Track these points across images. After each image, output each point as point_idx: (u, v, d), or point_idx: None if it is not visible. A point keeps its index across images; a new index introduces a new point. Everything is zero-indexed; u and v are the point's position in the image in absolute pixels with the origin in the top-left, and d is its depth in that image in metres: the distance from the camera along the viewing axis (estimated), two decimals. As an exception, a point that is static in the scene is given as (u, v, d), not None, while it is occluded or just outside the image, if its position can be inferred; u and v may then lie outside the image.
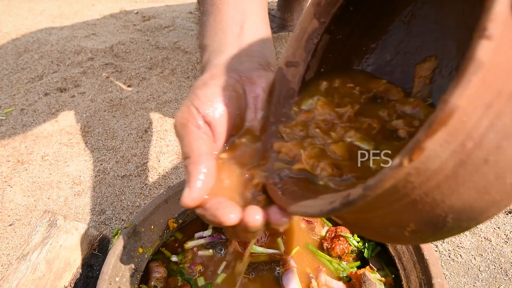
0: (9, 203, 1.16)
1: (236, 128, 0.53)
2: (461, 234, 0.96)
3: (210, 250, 0.77)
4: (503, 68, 0.28)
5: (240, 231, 0.46)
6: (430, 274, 0.62)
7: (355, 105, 0.51)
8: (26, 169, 1.27)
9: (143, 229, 0.74)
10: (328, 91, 0.55)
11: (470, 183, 0.32)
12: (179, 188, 0.80)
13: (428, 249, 0.66)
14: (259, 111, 0.55)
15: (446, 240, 0.98)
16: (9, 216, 1.13)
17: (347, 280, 0.72)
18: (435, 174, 0.32)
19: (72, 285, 0.85)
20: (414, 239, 0.40)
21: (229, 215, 0.44)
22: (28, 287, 0.81)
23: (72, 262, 0.87)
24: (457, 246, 0.96)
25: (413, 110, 0.48)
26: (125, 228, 0.72)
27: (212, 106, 0.50)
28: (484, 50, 0.27)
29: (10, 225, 1.11)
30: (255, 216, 0.44)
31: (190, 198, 0.45)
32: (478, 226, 0.99)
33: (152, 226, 0.76)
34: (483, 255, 0.94)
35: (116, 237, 0.71)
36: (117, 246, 0.69)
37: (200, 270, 0.74)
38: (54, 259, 0.85)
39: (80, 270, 0.88)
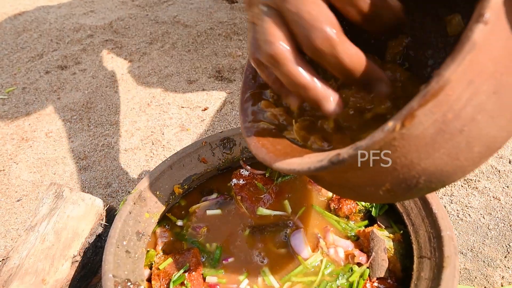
0: (15, 180, 1.17)
1: None
2: (470, 194, 0.95)
3: (219, 210, 0.77)
4: (489, 50, 0.33)
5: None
6: (439, 228, 0.61)
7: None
8: (30, 146, 1.27)
9: (148, 195, 0.74)
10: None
11: (445, 149, 0.36)
12: (183, 154, 0.80)
13: (436, 203, 0.65)
14: None
15: (454, 200, 0.97)
16: (16, 192, 1.14)
17: (355, 239, 0.72)
18: (416, 139, 0.35)
19: (81, 254, 0.86)
20: (386, 198, 0.43)
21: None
22: (38, 257, 0.81)
23: (80, 232, 0.87)
24: (466, 206, 0.95)
25: (392, 74, 0.51)
26: (130, 193, 0.72)
27: None
28: (480, 33, 0.30)
29: (18, 200, 1.12)
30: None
31: None
32: (486, 186, 0.98)
33: (158, 192, 0.75)
34: (492, 213, 0.93)
35: (122, 203, 0.71)
36: (123, 211, 0.69)
37: (205, 232, 0.74)
38: (62, 229, 0.85)
39: (89, 240, 0.88)
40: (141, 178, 1.13)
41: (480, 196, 0.97)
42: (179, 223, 0.77)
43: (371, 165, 0.38)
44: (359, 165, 0.38)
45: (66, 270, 0.83)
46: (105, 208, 0.95)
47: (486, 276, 0.82)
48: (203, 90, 1.41)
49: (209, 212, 0.78)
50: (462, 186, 1.00)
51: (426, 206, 0.65)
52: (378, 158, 0.37)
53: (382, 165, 0.39)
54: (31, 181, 1.16)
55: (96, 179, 1.15)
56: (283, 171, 0.45)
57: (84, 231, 0.88)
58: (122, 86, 1.48)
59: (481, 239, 0.89)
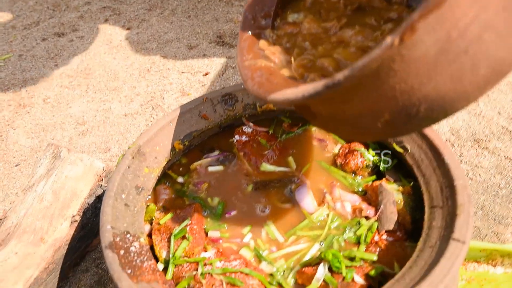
0: (13, 145, 1.14)
1: None
2: (480, 154, 0.92)
3: (221, 166, 0.74)
4: None
5: None
6: (451, 177, 0.59)
7: (342, 19, 0.52)
8: (28, 112, 1.24)
9: (148, 150, 0.71)
10: (314, 5, 0.56)
11: (448, 72, 0.34)
12: (183, 110, 0.77)
13: (449, 153, 0.62)
14: None
15: (464, 160, 0.94)
16: (14, 157, 1.12)
17: (363, 194, 0.69)
18: (417, 61, 0.33)
19: (81, 214, 0.84)
20: (384, 132, 0.41)
21: None
22: (36, 216, 0.79)
23: (79, 192, 0.85)
24: (476, 166, 0.92)
25: (399, 15, 0.49)
26: (129, 148, 0.69)
27: None
28: None
29: (16, 165, 1.10)
30: None
31: None
32: (497, 146, 0.95)
33: (157, 147, 0.72)
34: (503, 173, 0.90)
35: (120, 157, 0.68)
36: (122, 165, 0.67)
37: (206, 188, 0.72)
38: (60, 189, 0.83)
39: (88, 201, 0.86)
40: (141, 143, 1.11)
41: (490, 156, 0.94)
42: (180, 179, 0.75)
43: (368, 89, 0.36)
44: (354, 91, 0.36)
45: (65, 229, 0.81)
46: (105, 170, 0.92)
47: (497, 234, 0.80)
48: (204, 55, 1.37)
49: (210, 168, 0.75)
50: (472, 146, 0.97)
51: (438, 157, 0.63)
52: (376, 80, 0.35)
53: (380, 91, 0.36)
54: (29, 146, 1.14)
55: (95, 144, 1.12)
56: (277, 102, 0.43)
57: (83, 191, 0.86)
58: (120, 52, 1.44)
59: (491, 198, 0.86)
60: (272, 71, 0.48)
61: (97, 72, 1.36)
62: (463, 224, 0.52)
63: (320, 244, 0.63)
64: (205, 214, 0.68)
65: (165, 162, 0.73)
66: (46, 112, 1.23)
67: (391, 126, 0.40)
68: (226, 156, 0.77)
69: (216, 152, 0.78)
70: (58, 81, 1.34)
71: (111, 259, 0.54)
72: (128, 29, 1.56)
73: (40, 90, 1.31)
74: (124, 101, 1.24)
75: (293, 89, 0.41)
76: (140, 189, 0.67)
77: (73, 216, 0.83)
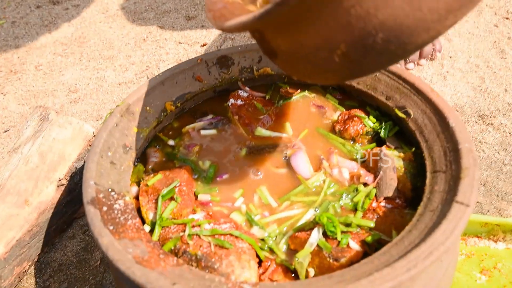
0: (2, 111, 1.11)
1: None
2: (484, 130, 0.88)
3: (214, 130, 0.71)
4: None
5: None
6: (456, 141, 0.55)
7: None
8: (19, 79, 1.20)
9: (137, 109, 0.68)
10: None
11: None
12: (176, 71, 0.73)
13: (454, 117, 0.59)
14: None
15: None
16: (3, 123, 1.08)
17: (362, 161, 0.66)
18: None
19: (68, 178, 0.81)
20: (344, 69, 0.39)
21: None
22: (21, 178, 0.76)
23: (67, 156, 0.82)
24: (480, 142, 0.89)
25: None
26: (117, 106, 0.66)
27: None
28: None
29: (5, 131, 1.06)
30: None
31: None
32: (502, 122, 0.92)
33: (148, 107, 0.69)
34: (507, 149, 0.87)
35: (108, 114, 0.65)
36: (109, 123, 0.63)
37: (197, 150, 0.69)
38: (47, 152, 0.80)
39: (76, 165, 0.83)
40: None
41: (495, 132, 0.91)
42: (171, 142, 0.71)
43: (322, 14, 0.34)
44: (307, 15, 0.34)
45: (51, 193, 0.78)
46: (94, 135, 0.89)
47: (500, 210, 0.77)
48: (202, 26, 1.33)
49: (203, 132, 0.72)
50: (476, 122, 0.93)
51: (443, 121, 0.59)
52: (329, 3, 0.33)
53: (335, 18, 0.34)
54: (19, 112, 1.10)
55: (87, 112, 1.09)
56: (232, 28, 0.41)
57: (71, 155, 0.83)
58: (117, 21, 1.39)
59: (495, 174, 0.83)
60: (238, 8, 0.46)
61: (92, 41, 1.32)
62: (467, 187, 0.49)
63: (315, 210, 0.60)
64: (196, 177, 0.65)
65: (156, 123, 0.70)
66: (38, 79, 1.19)
67: (349, 61, 0.37)
68: (220, 120, 0.74)
69: (210, 116, 0.74)
70: (52, 49, 1.30)
71: (93, 214, 0.51)
72: (125, -1, 1.51)
73: (32, 57, 1.27)
74: (119, 70, 1.20)
75: (246, 15, 0.39)
76: (127, 148, 0.64)
77: (59, 180, 0.80)
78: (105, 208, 0.53)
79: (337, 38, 0.36)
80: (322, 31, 0.36)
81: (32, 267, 0.79)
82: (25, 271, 0.76)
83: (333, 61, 0.38)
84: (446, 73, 1.07)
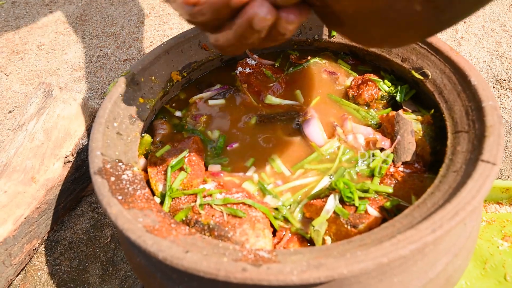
0: (6, 91, 1.09)
1: None
2: (502, 95, 0.85)
3: (222, 100, 0.69)
4: None
5: (242, 28, 0.37)
6: (479, 99, 0.52)
7: None
8: (22, 59, 1.18)
9: (142, 79, 0.65)
10: None
11: None
12: (181, 39, 0.70)
13: (476, 75, 0.55)
14: None
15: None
16: (7, 104, 1.06)
17: (377, 127, 0.63)
18: None
19: (75, 155, 0.79)
20: (426, 18, 0.32)
21: None
22: (27, 155, 0.75)
23: (73, 132, 0.80)
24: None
25: None
26: (122, 76, 0.63)
27: None
28: None
29: (10, 112, 1.05)
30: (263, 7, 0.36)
31: None
32: (521, 87, 0.88)
33: (153, 77, 0.66)
34: (528, 114, 0.84)
35: (112, 84, 0.62)
36: (114, 93, 0.61)
37: (205, 120, 0.66)
38: (52, 129, 0.78)
39: (82, 141, 0.81)
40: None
41: (514, 97, 0.87)
42: (178, 114, 0.69)
43: None
44: None
45: (57, 170, 0.77)
46: (100, 110, 0.87)
47: (520, 175, 0.74)
48: (206, 0, 1.29)
49: (211, 102, 0.69)
50: (494, 87, 0.90)
51: (464, 80, 0.56)
52: None
53: None
54: (23, 92, 1.09)
55: (92, 90, 1.07)
56: None
57: (77, 132, 0.81)
58: (118, -2, 1.36)
59: (514, 139, 0.80)
60: None
61: (94, 19, 1.29)
62: (493, 145, 0.46)
63: (330, 178, 0.58)
64: (205, 147, 0.63)
65: (162, 94, 0.67)
66: (41, 58, 1.17)
67: (434, 6, 0.31)
68: (228, 89, 0.71)
69: (217, 86, 0.71)
70: (53, 28, 1.27)
71: (100, 184, 0.49)
72: (126, -25, 1.47)
73: (34, 37, 1.24)
74: (122, 47, 1.17)
75: None
76: (134, 119, 0.61)
77: (66, 157, 0.78)
78: (112, 179, 0.51)
79: None
80: None
81: (42, 246, 0.78)
82: (35, 249, 0.75)
83: (414, 11, 0.32)
84: (461, 39, 1.03)
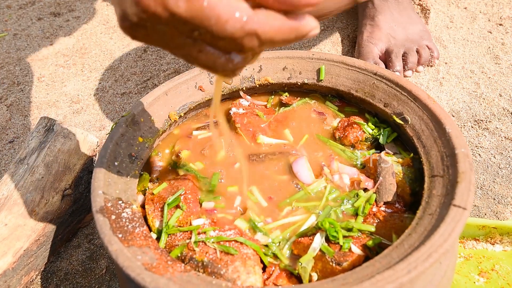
0: (6, 122, 1.12)
1: None
2: (480, 135, 0.90)
3: (208, 132, 0.73)
4: None
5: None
6: (453, 146, 0.57)
7: None
8: (22, 90, 1.22)
9: (142, 119, 0.69)
10: None
11: None
12: (179, 81, 0.75)
13: (450, 123, 0.60)
14: None
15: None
16: (7, 134, 1.10)
17: (362, 167, 0.68)
18: None
19: (73, 188, 0.82)
20: None
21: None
22: (27, 189, 0.78)
23: (72, 166, 0.84)
24: (476, 146, 0.91)
25: None
26: (123, 116, 0.67)
27: None
28: None
29: (10, 142, 1.08)
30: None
31: None
32: (498, 127, 0.94)
33: (152, 117, 0.71)
34: (503, 153, 0.89)
35: (113, 124, 0.66)
36: (115, 133, 0.65)
37: (185, 157, 0.70)
38: (52, 162, 0.82)
39: (81, 175, 0.84)
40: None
41: (491, 136, 0.93)
42: (167, 151, 0.73)
43: None
44: None
45: (56, 203, 0.80)
46: (98, 145, 0.91)
47: (496, 213, 0.79)
48: (202, 36, 1.35)
49: (195, 132, 0.74)
50: (472, 127, 0.95)
51: (439, 127, 0.61)
52: None
53: None
54: (22, 124, 1.12)
55: (90, 122, 1.10)
56: None
57: (76, 165, 0.84)
58: (117, 33, 1.41)
59: (491, 177, 0.85)
60: None
61: (93, 52, 1.34)
62: (464, 190, 0.51)
63: (318, 213, 0.62)
64: (200, 185, 0.67)
65: (160, 132, 0.71)
66: (40, 90, 1.21)
67: None
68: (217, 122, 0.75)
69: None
70: (53, 60, 1.32)
71: (102, 222, 0.52)
72: (125, 10, 1.53)
73: (34, 69, 1.29)
74: (120, 80, 1.22)
75: None
76: (133, 158, 0.65)
77: (65, 190, 0.81)
78: (113, 217, 0.54)
79: None
80: None
81: (39, 277, 0.80)
82: (32, 280, 0.77)
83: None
84: (442, 79, 1.09)
